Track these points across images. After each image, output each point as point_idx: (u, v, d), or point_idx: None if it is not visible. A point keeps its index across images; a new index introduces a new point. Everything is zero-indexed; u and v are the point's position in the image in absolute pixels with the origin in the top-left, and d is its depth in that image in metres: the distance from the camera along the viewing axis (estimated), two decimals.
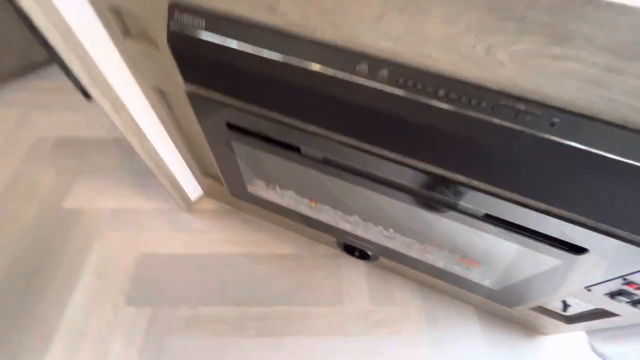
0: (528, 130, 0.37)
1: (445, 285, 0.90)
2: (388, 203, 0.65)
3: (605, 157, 0.36)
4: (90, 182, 1.14)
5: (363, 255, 0.96)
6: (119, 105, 0.67)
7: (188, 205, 1.07)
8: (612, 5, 0.26)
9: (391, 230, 0.77)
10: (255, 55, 0.44)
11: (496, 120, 0.37)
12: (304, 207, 0.85)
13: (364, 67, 0.40)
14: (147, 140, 0.79)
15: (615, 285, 0.58)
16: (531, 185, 0.42)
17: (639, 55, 0.29)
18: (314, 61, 0.42)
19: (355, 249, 0.95)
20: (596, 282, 0.59)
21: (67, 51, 0.55)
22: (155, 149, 0.82)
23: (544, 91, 0.35)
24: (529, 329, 0.93)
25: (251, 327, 0.90)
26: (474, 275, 0.78)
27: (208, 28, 0.45)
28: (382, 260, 0.95)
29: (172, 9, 0.46)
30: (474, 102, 0.37)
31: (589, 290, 0.63)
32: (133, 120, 0.72)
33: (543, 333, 0.92)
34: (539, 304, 0.78)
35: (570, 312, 0.79)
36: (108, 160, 1.18)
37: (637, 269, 0.51)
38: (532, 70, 0.34)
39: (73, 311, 0.89)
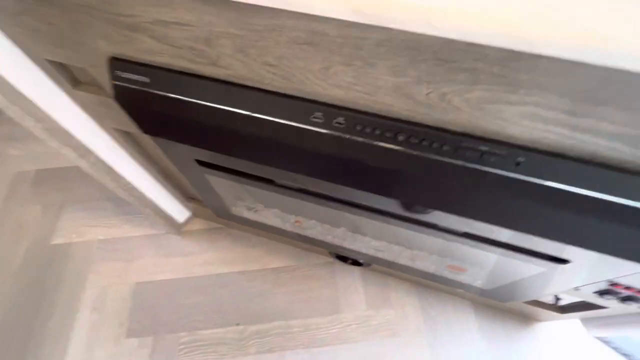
0: (493, 171, 0.35)
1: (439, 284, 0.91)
2: (370, 222, 0.64)
3: (574, 193, 0.34)
4: (75, 213, 1.12)
5: (356, 262, 0.97)
6: (83, 151, 0.65)
7: (177, 228, 1.07)
8: (560, 59, 0.24)
9: (379, 241, 0.77)
10: (205, 107, 0.42)
11: (460, 163, 0.36)
12: (290, 225, 0.84)
13: (318, 115, 0.38)
14: (122, 178, 0.77)
15: (602, 286, 0.58)
16: (501, 216, 0.41)
17: (599, 101, 0.27)
18: (265, 112, 0.39)
19: (347, 257, 0.95)
20: (582, 284, 0.59)
21: (14, 109, 0.52)
22: (131, 184, 0.80)
23: (507, 132, 0.33)
24: (525, 318, 0.94)
25: (252, 345, 0.91)
26: (465, 277, 0.78)
27: (153, 82, 0.42)
28: (375, 265, 0.95)
29: (113, 63, 0.43)
30: (435, 145, 0.35)
31: (578, 289, 0.63)
32: (102, 162, 0.70)
33: (539, 320, 0.94)
34: (531, 299, 0.79)
35: (563, 304, 0.80)
36: (90, 189, 1.16)
37: (619, 274, 0.51)
38: (491, 114, 0.32)
39: (75, 350, 0.90)
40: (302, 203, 0.67)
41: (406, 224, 0.59)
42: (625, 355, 0.90)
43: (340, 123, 0.37)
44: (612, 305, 0.64)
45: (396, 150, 0.37)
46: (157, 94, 0.43)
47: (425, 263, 0.77)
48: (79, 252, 1.06)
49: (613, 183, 0.33)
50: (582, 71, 0.25)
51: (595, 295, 0.63)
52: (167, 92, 0.42)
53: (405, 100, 0.34)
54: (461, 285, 0.83)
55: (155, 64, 0.41)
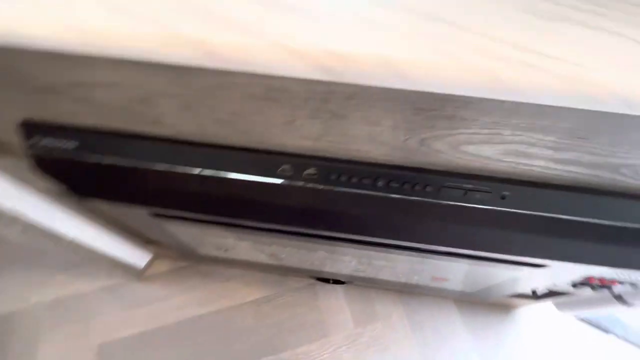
0: (479, 207, 0.33)
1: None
2: (349, 249, 0.62)
3: (560, 219, 0.34)
4: (16, 276, 0.97)
5: (338, 281, 0.94)
6: (7, 221, 0.55)
7: (138, 274, 0.96)
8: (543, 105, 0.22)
9: (360, 264, 0.74)
10: (148, 168, 0.36)
11: (444, 202, 0.33)
12: (265, 257, 0.79)
13: (286, 168, 0.33)
14: (63, 238, 0.66)
15: (578, 280, 0.60)
16: (486, 245, 0.40)
17: (585, 134, 0.26)
18: (222, 168, 0.34)
19: (329, 278, 0.92)
20: (560, 282, 0.61)
21: None
22: (76, 242, 0.70)
23: (490, 168, 0.31)
24: (504, 307, 0.98)
25: None
26: (447, 285, 0.78)
27: (82, 146, 0.35)
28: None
29: (27, 129, 0.35)
30: (417, 187, 0.33)
31: (554, 284, 0.65)
32: (35, 227, 0.60)
33: (516, 307, 0.97)
34: (510, 294, 0.81)
35: (538, 293, 0.84)
36: (32, 245, 1.02)
37: (595, 273, 0.53)
38: (474, 154, 0.30)
39: None
40: (276, 239, 0.63)
41: (387, 249, 0.57)
42: (597, 327, 0.96)
43: (311, 174, 0.33)
44: (586, 293, 0.67)
45: (377, 197, 0.34)
46: (88, 158, 0.36)
47: (409, 277, 0.76)
48: (25, 321, 0.92)
49: (596, 206, 0.32)
50: (566, 114, 0.24)
51: (570, 286, 0.65)
52: (102, 156, 0.36)
53: (381, 147, 0.30)
54: (444, 291, 0.83)
55: (82, 127, 0.34)
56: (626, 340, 0.95)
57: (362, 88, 0.24)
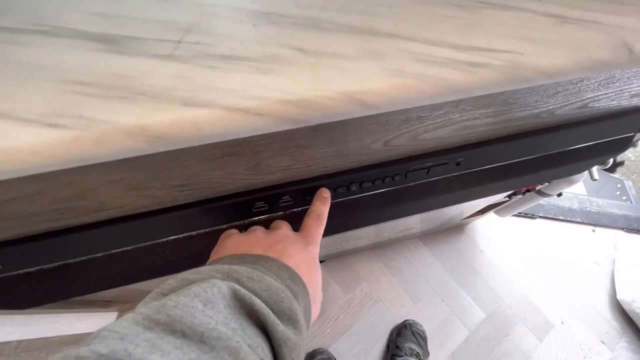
0: (442, 177, 0.37)
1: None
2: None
3: (503, 165, 0.39)
4: None
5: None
6: None
7: None
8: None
9: (339, 242, 0.77)
10: (112, 253, 0.31)
11: (413, 184, 0.36)
12: None
13: (260, 205, 0.32)
14: (7, 344, 0.56)
15: (511, 192, 0.72)
16: (452, 200, 0.45)
17: (515, 99, 0.29)
18: (192, 228, 0.32)
19: None
20: (498, 196, 0.72)
21: None
22: (25, 339, 0.60)
23: (444, 144, 0.34)
24: (458, 227, 1.12)
25: None
26: (412, 231, 0.87)
27: (7, 265, 0.29)
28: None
29: None
30: (387, 180, 0.34)
31: (494, 200, 0.77)
32: None
33: (467, 224, 1.13)
34: (463, 218, 0.93)
35: (481, 208, 0.98)
36: None
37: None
38: (429, 138, 0.32)
39: None
40: None
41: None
42: (526, 216, 1.17)
43: (287, 201, 0.33)
44: (516, 198, 0.81)
45: (354, 199, 0.35)
46: (19, 274, 0.30)
47: (379, 236, 0.82)
48: None
49: (527, 145, 0.38)
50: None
51: (506, 197, 0.77)
52: (41, 264, 0.30)
53: (347, 157, 0.31)
54: (410, 235, 0.92)
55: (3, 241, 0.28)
56: (547, 217, 1.18)
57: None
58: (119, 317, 0.90)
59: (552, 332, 1.00)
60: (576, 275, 1.10)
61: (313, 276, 0.26)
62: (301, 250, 0.26)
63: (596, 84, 0.30)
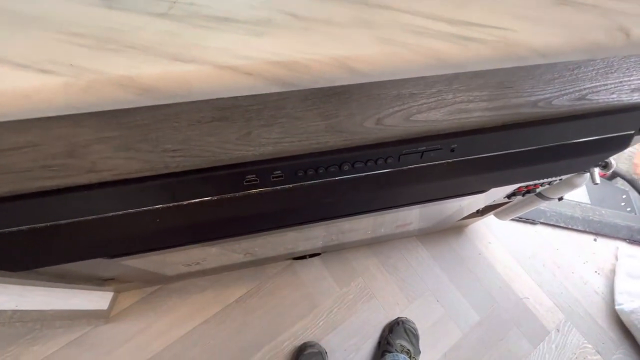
0: (434, 163, 0.37)
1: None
2: (319, 226, 0.64)
3: (503, 154, 0.39)
4: None
5: (313, 254, 0.97)
6: None
7: (104, 316, 0.89)
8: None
9: (332, 234, 0.77)
10: (93, 219, 0.32)
11: (406, 168, 0.36)
12: (238, 257, 0.78)
13: (251, 178, 0.32)
14: (3, 312, 0.57)
15: (510, 192, 0.71)
16: (448, 190, 0.45)
17: (510, 83, 0.29)
18: (181, 197, 0.32)
19: (304, 255, 0.95)
20: (497, 196, 0.71)
21: None
22: (17, 311, 0.61)
23: (438, 128, 0.34)
24: (457, 229, 1.12)
25: None
26: (410, 227, 0.86)
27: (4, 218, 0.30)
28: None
29: None
30: (380, 161, 0.35)
31: (493, 200, 0.76)
32: None
33: (466, 225, 1.12)
34: (461, 218, 0.93)
35: (480, 208, 0.97)
36: None
37: (522, 185, 0.62)
38: (423, 120, 0.32)
39: None
40: (247, 241, 0.62)
41: (355, 216, 0.60)
42: (527, 221, 1.16)
43: (278, 176, 0.33)
44: (516, 199, 0.80)
45: (346, 179, 0.35)
46: (11, 232, 0.31)
47: (376, 231, 0.82)
48: None
49: (523, 136, 0.38)
50: (497, 71, 0.26)
51: (505, 198, 0.77)
52: (32, 223, 0.31)
53: (340, 134, 0.31)
54: (407, 232, 0.92)
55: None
56: (548, 224, 1.17)
57: (317, 88, 0.23)
58: (114, 297, 0.92)
59: (546, 339, 0.98)
60: (575, 283, 1.08)
61: None
62: None
63: (594, 72, 0.30)
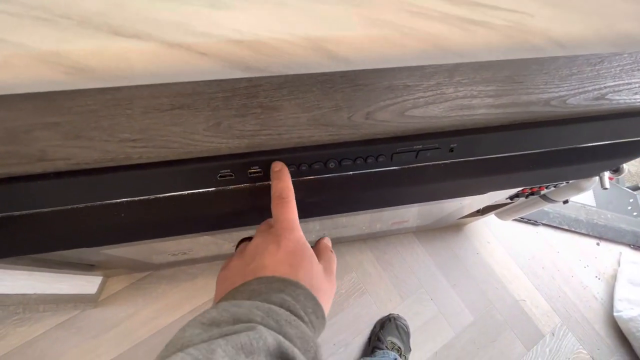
0: (431, 163, 0.33)
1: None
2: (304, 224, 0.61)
3: (502, 157, 0.35)
4: None
5: None
6: None
7: (92, 300, 0.88)
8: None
9: (322, 227, 0.75)
10: (60, 210, 0.29)
11: (399, 168, 0.33)
12: (228, 246, 0.76)
13: (225, 172, 0.29)
14: None
15: (513, 193, 0.68)
16: (445, 193, 0.41)
17: (522, 78, 0.25)
18: (147, 191, 0.29)
19: None
20: (500, 197, 0.68)
21: None
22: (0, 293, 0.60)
23: (436, 125, 0.30)
24: (455, 227, 1.09)
25: None
26: (406, 224, 0.83)
27: None
28: None
29: None
30: (370, 160, 0.31)
31: (495, 201, 0.73)
32: None
33: (466, 224, 1.09)
34: (460, 217, 0.89)
35: (481, 208, 0.94)
36: None
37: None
38: (420, 116, 0.28)
39: None
40: (237, 232, 0.59)
41: (348, 213, 0.57)
42: (529, 222, 1.13)
43: (256, 172, 0.30)
44: (519, 201, 0.76)
45: (332, 178, 0.32)
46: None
47: (372, 227, 0.79)
48: None
49: (531, 137, 0.34)
50: (506, 63, 0.23)
51: (508, 199, 0.73)
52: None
53: (325, 128, 0.27)
54: (404, 229, 0.89)
55: None
56: (550, 225, 1.13)
57: (293, 75, 0.20)
58: (103, 282, 0.90)
59: (540, 343, 0.97)
60: (574, 287, 1.06)
61: (301, 265, 0.25)
62: (275, 251, 0.25)
63: (619, 68, 0.26)
